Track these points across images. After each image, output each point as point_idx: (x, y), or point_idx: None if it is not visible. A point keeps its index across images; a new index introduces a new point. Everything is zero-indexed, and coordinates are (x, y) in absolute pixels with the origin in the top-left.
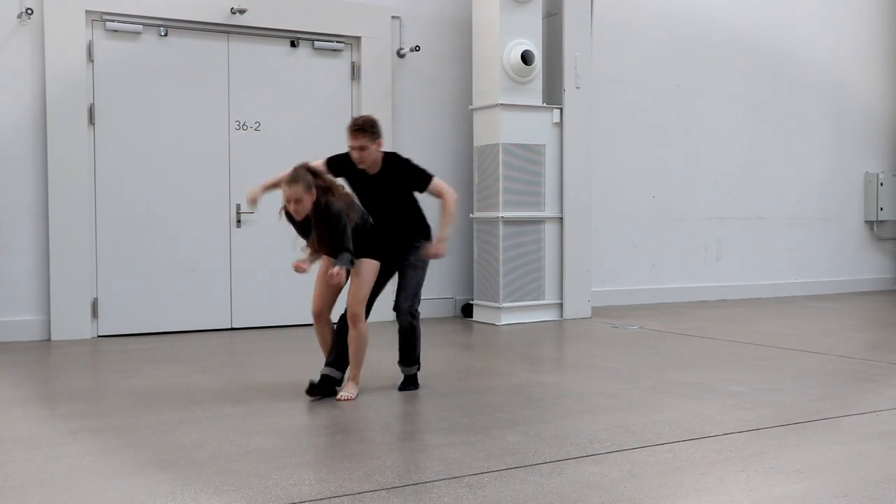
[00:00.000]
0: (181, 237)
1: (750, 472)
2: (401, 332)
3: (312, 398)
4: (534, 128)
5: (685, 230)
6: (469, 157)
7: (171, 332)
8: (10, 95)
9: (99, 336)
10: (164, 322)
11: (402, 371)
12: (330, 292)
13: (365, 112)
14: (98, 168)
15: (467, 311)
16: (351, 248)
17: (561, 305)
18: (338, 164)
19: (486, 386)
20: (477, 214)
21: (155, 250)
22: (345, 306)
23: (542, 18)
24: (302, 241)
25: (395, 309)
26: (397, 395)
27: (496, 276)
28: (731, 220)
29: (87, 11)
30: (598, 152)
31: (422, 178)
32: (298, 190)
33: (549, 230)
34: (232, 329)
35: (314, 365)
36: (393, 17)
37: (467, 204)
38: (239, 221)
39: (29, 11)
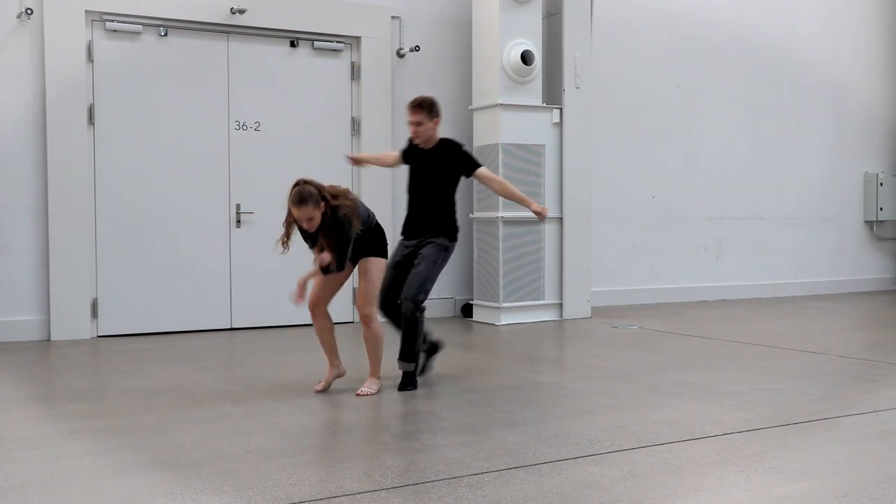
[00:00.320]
0: (181, 237)
1: (750, 472)
2: (402, 321)
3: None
4: (533, 128)
5: (685, 230)
6: None
7: (171, 332)
8: (10, 95)
9: (99, 336)
10: (164, 322)
11: (400, 367)
12: (329, 288)
13: (365, 112)
14: (98, 168)
15: (467, 311)
16: (347, 255)
17: (561, 305)
18: (405, 150)
19: (486, 386)
20: (477, 214)
21: (155, 250)
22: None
23: (542, 18)
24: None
25: (401, 297)
26: (397, 394)
27: (496, 276)
28: (731, 220)
29: (86, 11)
30: (598, 152)
31: (470, 163)
32: (308, 210)
33: (549, 230)
34: (232, 329)
35: (314, 365)
36: (393, 17)
37: (468, 204)
38: (239, 221)
39: (29, 11)
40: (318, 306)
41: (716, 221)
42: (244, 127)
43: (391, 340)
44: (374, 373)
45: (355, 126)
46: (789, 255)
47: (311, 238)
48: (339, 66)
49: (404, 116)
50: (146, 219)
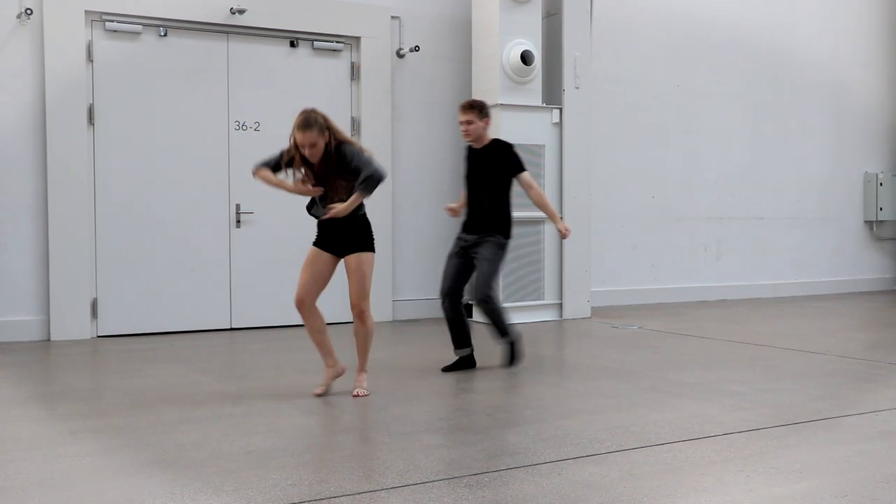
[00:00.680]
0: (181, 237)
1: (750, 472)
2: (483, 315)
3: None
4: (533, 128)
5: (685, 230)
6: None
7: (171, 332)
8: (10, 95)
9: (99, 336)
10: (164, 322)
11: (501, 344)
12: (317, 282)
13: (364, 112)
14: (98, 168)
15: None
16: (379, 170)
17: (560, 305)
18: (466, 152)
19: (486, 386)
20: None
21: (155, 250)
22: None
23: (542, 18)
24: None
25: (474, 299)
26: (397, 395)
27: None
28: (731, 220)
29: (86, 11)
30: (598, 152)
31: (515, 165)
32: (313, 135)
33: (549, 230)
34: (232, 329)
35: (315, 365)
36: (392, 18)
37: None
38: (239, 221)
39: (29, 11)
40: (305, 302)
41: (716, 221)
42: (244, 127)
43: (390, 343)
44: (364, 366)
45: (355, 126)
46: (789, 255)
47: (316, 175)
48: (338, 66)
49: (404, 116)
50: (146, 219)
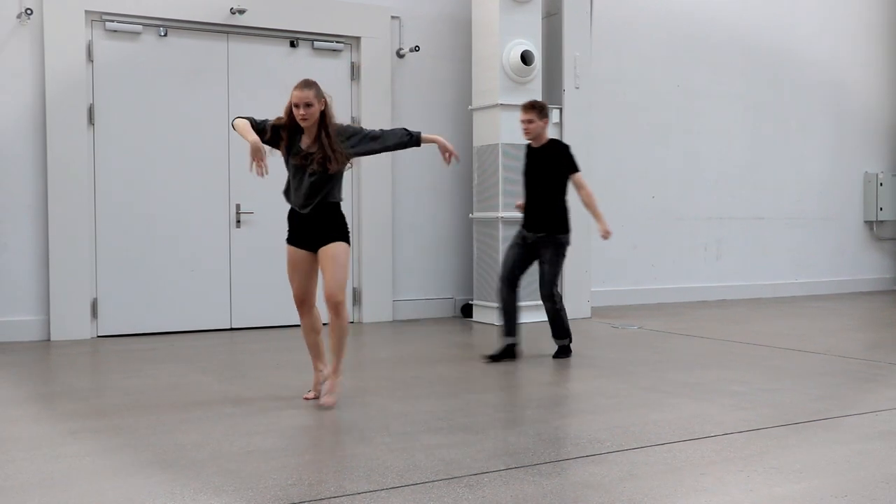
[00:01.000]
0: (181, 237)
1: (750, 472)
2: (547, 314)
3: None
4: None
5: (685, 230)
6: (469, 158)
7: (171, 332)
8: (10, 95)
9: (99, 336)
10: (164, 322)
11: (556, 343)
12: (310, 280)
13: (364, 112)
14: (98, 168)
15: (467, 311)
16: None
17: None
18: (526, 150)
19: (486, 386)
20: (476, 215)
21: (155, 250)
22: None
23: (542, 18)
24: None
25: (541, 297)
26: (397, 394)
27: (496, 276)
28: (731, 220)
29: (86, 11)
30: (598, 152)
31: (569, 166)
32: (310, 94)
33: None
34: (232, 329)
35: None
36: (392, 18)
37: (467, 204)
38: (239, 221)
39: (29, 11)
40: (306, 302)
41: (716, 221)
42: None
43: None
44: (337, 368)
45: None
46: (789, 255)
47: (296, 150)
48: (338, 66)
49: (404, 116)
50: (146, 219)
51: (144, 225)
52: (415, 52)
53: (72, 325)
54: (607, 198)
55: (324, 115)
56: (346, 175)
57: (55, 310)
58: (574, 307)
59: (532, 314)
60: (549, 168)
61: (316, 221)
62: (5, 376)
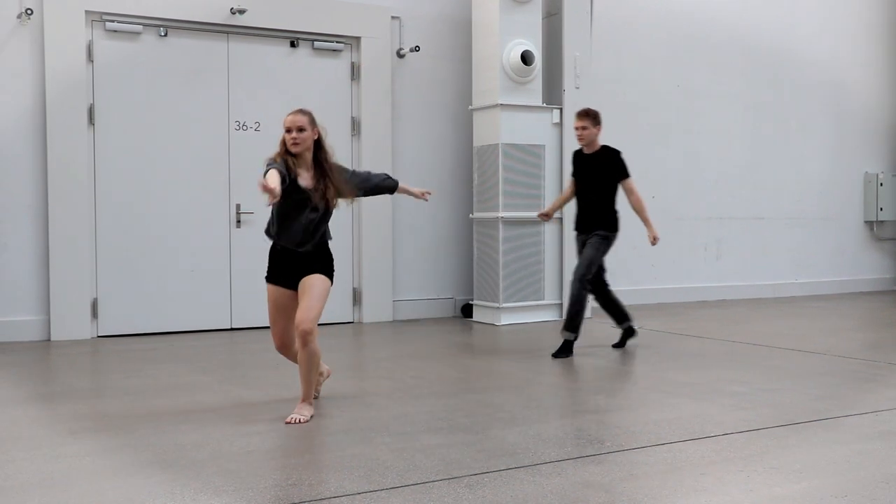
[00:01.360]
0: (181, 237)
1: (750, 472)
2: (570, 296)
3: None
4: (533, 128)
5: (685, 230)
6: (469, 158)
7: (171, 332)
8: (10, 95)
9: (99, 336)
10: (164, 322)
11: (562, 336)
12: (289, 321)
13: (364, 112)
14: (98, 168)
15: (467, 311)
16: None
17: (561, 305)
18: (574, 155)
19: (486, 386)
20: (477, 215)
21: (155, 250)
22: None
23: (542, 18)
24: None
25: (572, 278)
26: (397, 395)
27: (496, 276)
28: (731, 220)
29: (86, 12)
30: None
31: (621, 171)
32: (304, 119)
33: (549, 230)
34: (232, 329)
35: None
36: (393, 18)
37: (467, 204)
38: (239, 221)
39: (29, 11)
40: (288, 345)
41: (716, 221)
42: (244, 127)
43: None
44: (307, 397)
45: (355, 126)
46: (789, 255)
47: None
48: (338, 66)
49: (404, 116)
50: (146, 219)
51: (144, 225)
52: (415, 52)
53: (72, 325)
54: None
55: (320, 147)
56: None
57: (55, 310)
58: None
59: (532, 314)
60: (602, 173)
61: (301, 259)
62: (5, 376)
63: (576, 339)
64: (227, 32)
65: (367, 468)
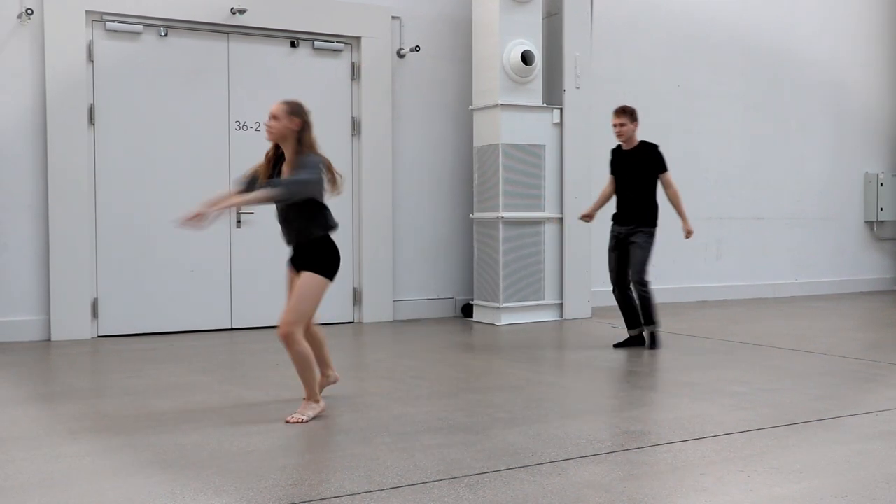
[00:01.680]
0: (181, 237)
1: (750, 472)
2: (637, 298)
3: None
4: (534, 128)
5: None
6: (469, 158)
7: (171, 332)
8: (10, 95)
9: (99, 336)
10: (164, 322)
11: (646, 331)
12: None
13: (365, 112)
14: (98, 168)
15: (467, 311)
16: (295, 185)
17: (561, 305)
18: (612, 155)
19: (486, 386)
20: (477, 215)
21: (155, 250)
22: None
23: (542, 18)
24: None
25: (630, 282)
26: (397, 395)
27: (496, 276)
28: (731, 220)
29: (87, 12)
30: (598, 152)
31: (659, 165)
32: (280, 108)
33: (549, 230)
34: (232, 329)
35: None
36: (393, 18)
37: (468, 204)
38: (239, 221)
39: (29, 11)
40: (307, 327)
41: (716, 221)
42: (244, 127)
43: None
44: (310, 396)
45: (355, 126)
46: (789, 255)
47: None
48: (339, 66)
49: (404, 116)
50: (146, 219)
51: (145, 225)
52: (415, 52)
53: (72, 325)
54: None
55: (300, 142)
56: (347, 177)
57: (55, 310)
58: (574, 307)
59: (532, 314)
60: (641, 168)
61: (302, 248)
62: (5, 376)
63: (654, 332)
64: (228, 32)
65: (367, 468)
